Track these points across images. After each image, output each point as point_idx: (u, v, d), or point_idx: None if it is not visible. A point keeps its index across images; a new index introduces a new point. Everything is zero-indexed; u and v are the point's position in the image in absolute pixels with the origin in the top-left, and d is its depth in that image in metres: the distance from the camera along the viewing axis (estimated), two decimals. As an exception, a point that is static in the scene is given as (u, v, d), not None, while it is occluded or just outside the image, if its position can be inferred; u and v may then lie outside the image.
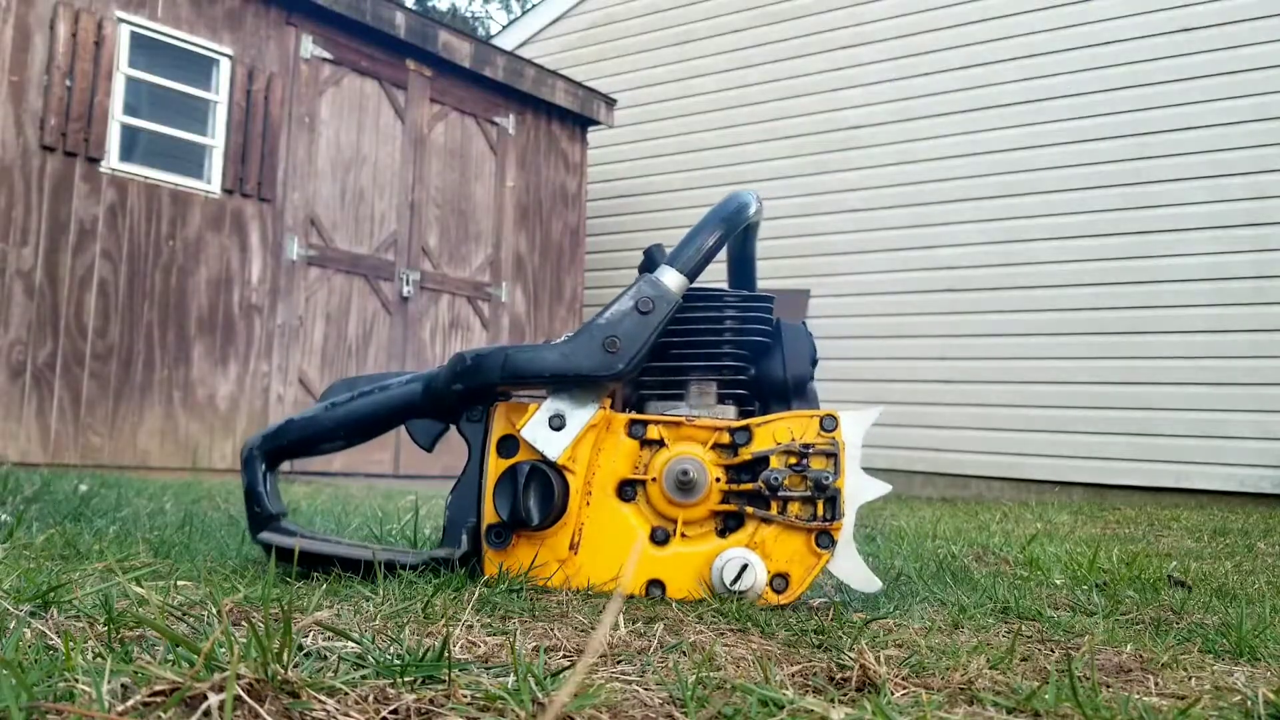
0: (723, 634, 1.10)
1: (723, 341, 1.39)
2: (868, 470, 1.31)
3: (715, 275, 1.43)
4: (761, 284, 1.59)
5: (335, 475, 5.30)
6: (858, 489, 1.29)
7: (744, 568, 1.26)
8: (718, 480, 1.32)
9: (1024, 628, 1.27)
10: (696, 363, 1.39)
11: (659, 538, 1.33)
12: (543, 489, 1.31)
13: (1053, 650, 1.11)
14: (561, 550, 1.33)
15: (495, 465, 1.38)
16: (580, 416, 1.35)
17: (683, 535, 1.33)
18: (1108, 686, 0.93)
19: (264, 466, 1.51)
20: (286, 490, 2.93)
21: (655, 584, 1.32)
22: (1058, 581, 2.08)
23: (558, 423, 1.35)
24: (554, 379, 1.34)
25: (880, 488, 1.30)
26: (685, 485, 1.31)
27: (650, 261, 1.49)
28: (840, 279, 6.75)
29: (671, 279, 1.34)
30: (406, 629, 0.97)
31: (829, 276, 6.77)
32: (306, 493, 3.07)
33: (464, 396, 1.40)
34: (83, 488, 2.74)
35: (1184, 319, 5.67)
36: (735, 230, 1.38)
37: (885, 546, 2.31)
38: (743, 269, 1.54)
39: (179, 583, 1.30)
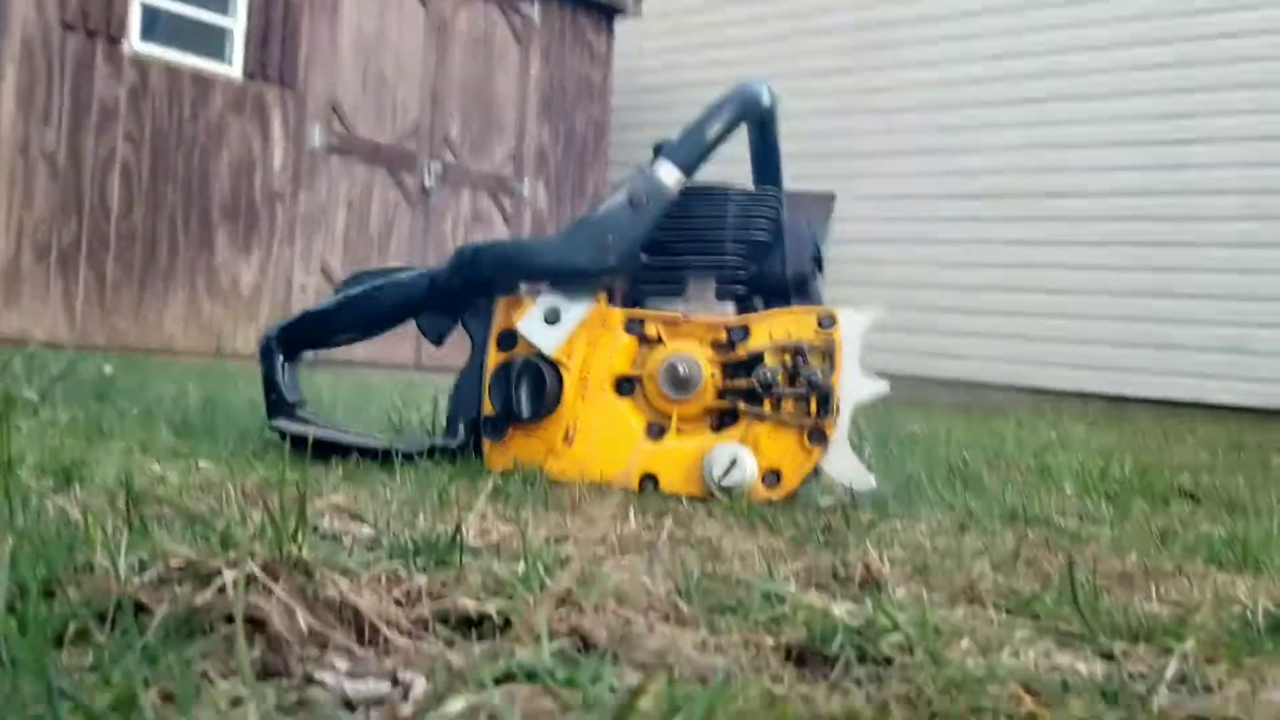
0: (730, 529, 1.11)
1: (722, 238, 1.38)
2: (884, 376, 1.31)
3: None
4: (787, 185, 1.57)
5: (358, 365, 5.35)
6: (853, 387, 1.29)
7: (733, 462, 1.26)
8: (713, 377, 1.32)
9: (1030, 533, 1.28)
10: (695, 259, 1.38)
11: (654, 432, 1.34)
12: (535, 383, 1.33)
13: (1057, 556, 1.12)
14: (555, 442, 1.35)
15: (494, 358, 1.39)
16: (575, 311, 1.36)
17: (678, 430, 1.34)
18: (1109, 593, 0.94)
19: (281, 356, 1.53)
20: (310, 380, 2.97)
21: (649, 478, 1.33)
22: (1068, 489, 2.09)
23: (553, 317, 1.36)
24: (547, 273, 1.35)
25: (877, 387, 1.30)
26: (680, 382, 1.31)
27: (656, 154, 1.47)
28: (868, 181, 6.65)
29: (666, 173, 1.33)
30: (421, 515, 0.99)
31: (857, 179, 6.68)
32: (329, 382, 3.11)
33: (466, 290, 1.41)
34: (108, 369, 2.78)
35: (1217, 232, 5.58)
36: (740, 123, 1.36)
37: (898, 451, 2.32)
38: (764, 165, 1.52)
39: (199, 463, 1.33)
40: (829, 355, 1.29)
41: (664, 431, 1.34)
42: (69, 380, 2.55)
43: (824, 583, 0.83)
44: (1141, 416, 5.49)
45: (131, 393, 2.32)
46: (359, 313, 1.55)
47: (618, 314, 1.37)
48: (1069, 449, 3.07)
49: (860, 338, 1.30)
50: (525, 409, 1.32)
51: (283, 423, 1.47)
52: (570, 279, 1.35)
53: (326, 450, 1.42)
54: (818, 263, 1.37)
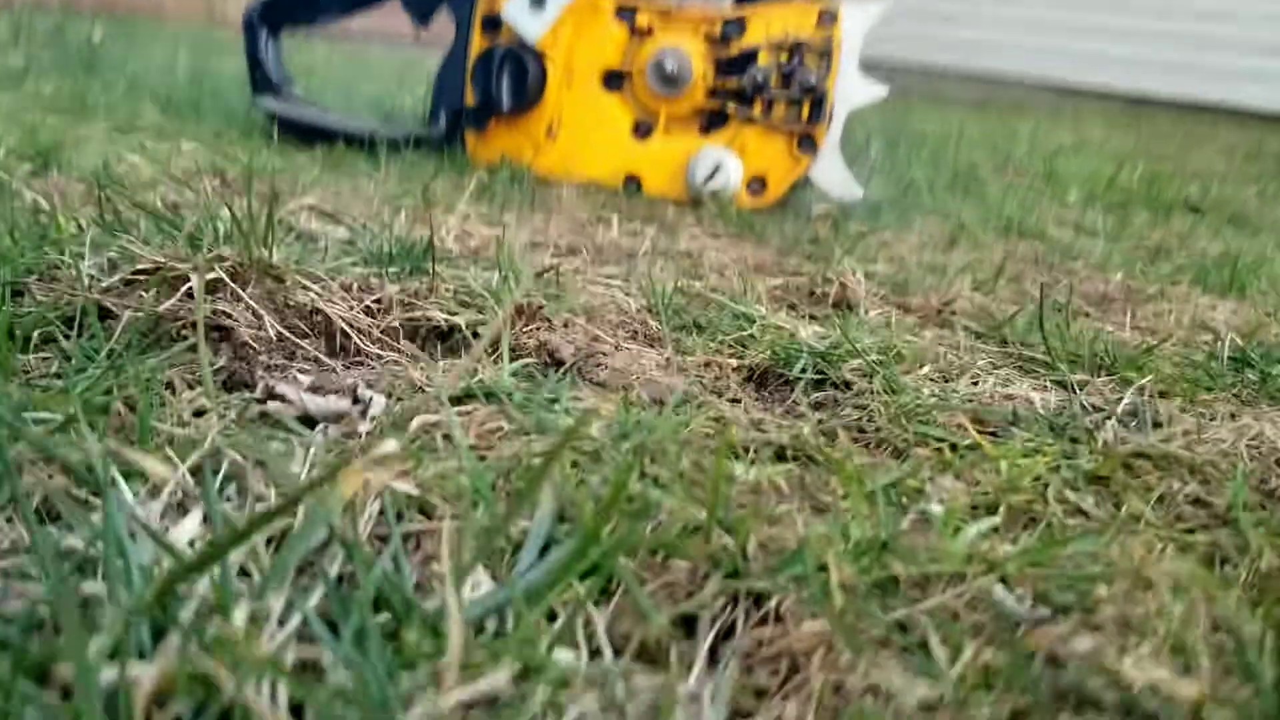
0: (717, 238, 1.10)
1: None
2: (896, 68, 1.25)
3: None
4: None
5: (355, 38, 5.14)
6: (849, 91, 1.24)
7: (716, 167, 1.24)
8: (704, 75, 1.27)
9: (1022, 247, 1.27)
10: None
11: (641, 131, 1.30)
12: (517, 74, 1.28)
13: (1041, 274, 1.11)
14: (538, 135, 1.32)
15: (478, 44, 1.33)
16: (543, 17, 1.29)
17: (665, 130, 1.30)
18: (1086, 315, 0.95)
19: (265, 32, 1.46)
20: (306, 51, 2.86)
21: (633, 179, 1.31)
22: (1071, 199, 2.07)
23: (538, 2, 1.29)
24: None
25: (874, 91, 1.25)
26: (669, 79, 1.26)
27: None
28: None
29: None
30: (402, 214, 0.98)
31: None
32: (324, 56, 3.00)
33: None
34: (96, 37, 2.68)
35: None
36: None
37: (904, 152, 2.27)
38: None
39: (183, 146, 1.30)
40: (826, 55, 1.23)
41: (651, 131, 1.30)
42: (56, 48, 2.46)
43: (797, 302, 0.84)
44: (1163, 119, 5.34)
45: (119, 63, 2.24)
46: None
47: (609, 1, 1.30)
48: (1082, 153, 3.01)
49: (862, 36, 1.24)
50: (506, 101, 1.28)
51: (268, 102, 1.43)
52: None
53: (311, 133, 1.39)
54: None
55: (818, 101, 1.23)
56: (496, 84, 1.28)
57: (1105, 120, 4.64)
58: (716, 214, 1.20)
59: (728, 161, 1.24)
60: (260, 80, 1.47)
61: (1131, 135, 4.09)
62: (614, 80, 1.31)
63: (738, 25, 1.26)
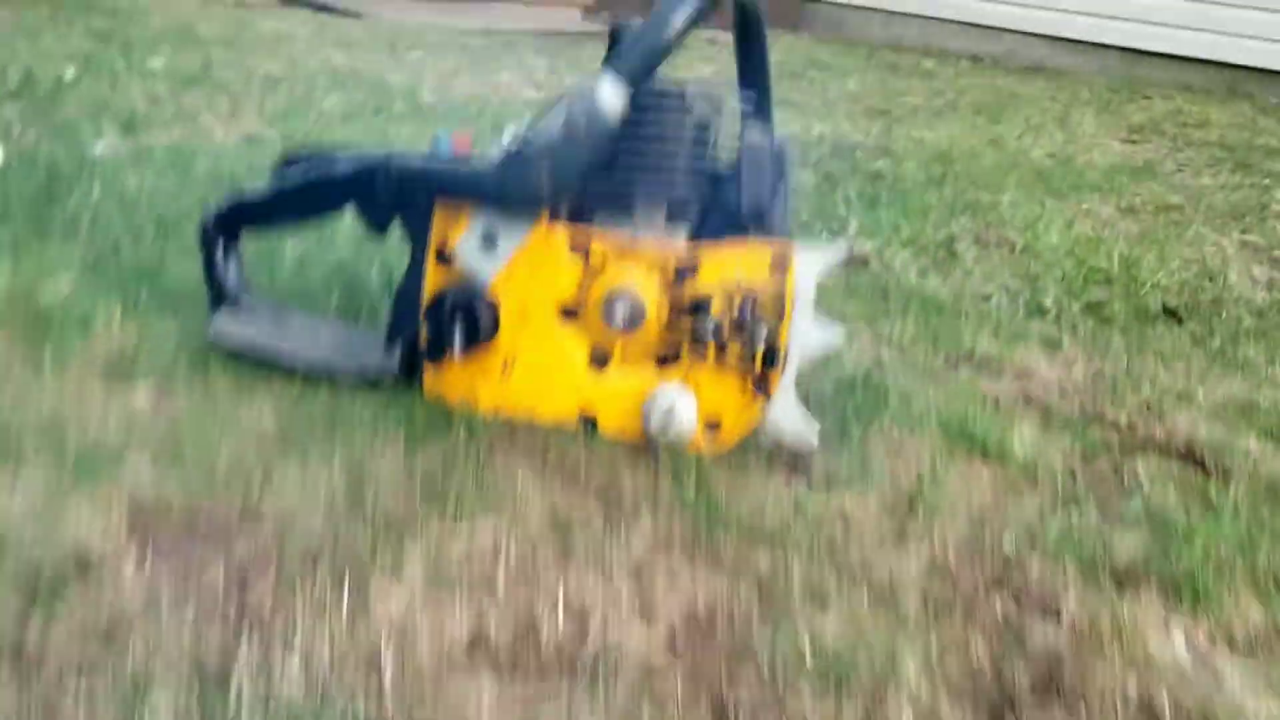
0: (669, 550, 1.10)
1: (672, 166, 1.25)
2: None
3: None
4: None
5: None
6: (804, 338, 1.22)
7: (669, 413, 1.23)
8: (659, 313, 1.25)
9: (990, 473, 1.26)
10: (644, 180, 1.26)
11: (597, 359, 1.29)
12: (469, 319, 1.26)
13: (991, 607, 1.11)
14: (493, 373, 1.30)
15: (433, 274, 1.31)
16: (513, 237, 1.27)
17: (621, 362, 1.29)
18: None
19: (222, 242, 1.45)
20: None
21: (588, 418, 1.30)
22: (1047, 304, 2.04)
23: (490, 241, 1.27)
24: (475, 203, 1.26)
25: (829, 337, 1.24)
26: (624, 318, 1.24)
27: (613, 44, 1.30)
28: None
29: (607, 93, 1.17)
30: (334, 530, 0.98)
31: None
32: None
33: (392, 202, 1.31)
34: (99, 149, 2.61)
35: None
36: (703, 15, 1.17)
37: (887, 213, 2.23)
38: (746, 61, 1.35)
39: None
40: (779, 303, 1.21)
41: (607, 361, 1.29)
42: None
43: None
44: (1157, 86, 5.21)
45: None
46: (293, 205, 1.44)
47: (562, 235, 1.27)
48: (1060, 216, 2.93)
49: (817, 280, 1.21)
50: (458, 348, 1.27)
51: (223, 327, 1.41)
52: (502, 212, 1.25)
53: (266, 360, 1.38)
54: (776, 193, 1.24)
55: (770, 350, 1.21)
56: (448, 329, 1.26)
57: (1095, 102, 4.51)
58: (675, 489, 1.20)
59: (682, 406, 1.23)
60: (216, 294, 1.45)
61: (1122, 125, 3.99)
62: (570, 313, 1.29)
63: (691, 267, 1.23)
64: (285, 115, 3.05)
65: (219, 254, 1.45)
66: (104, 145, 2.42)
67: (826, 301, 1.93)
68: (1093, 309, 2.06)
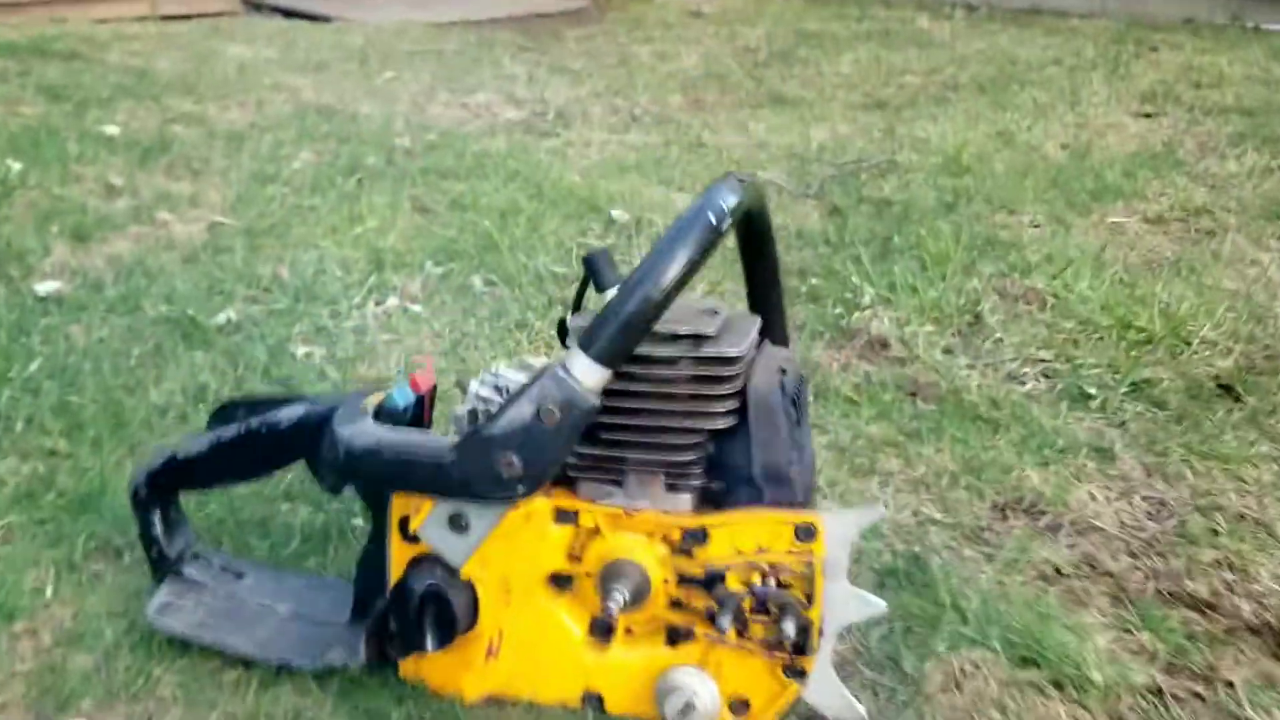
0: None
1: (667, 426, 1.04)
2: None
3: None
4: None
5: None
6: (841, 610, 1.03)
7: (689, 706, 1.05)
8: (665, 583, 1.06)
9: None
10: (634, 448, 1.05)
11: (599, 631, 1.11)
12: (441, 612, 1.07)
13: None
14: (477, 659, 1.12)
15: (398, 553, 1.13)
16: (486, 519, 1.07)
17: (624, 638, 1.10)
18: None
19: (157, 505, 1.26)
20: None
21: (592, 697, 1.12)
22: (1091, 390, 1.84)
23: (459, 524, 1.08)
24: (435, 494, 1.07)
25: (872, 608, 1.04)
26: (624, 598, 1.05)
27: (591, 278, 1.09)
28: None
29: (584, 372, 0.98)
30: None
31: None
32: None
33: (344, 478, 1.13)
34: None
35: None
36: (703, 259, 0.97)
37: (901, 268, 2.02)
38: (760, 284, 1.15)
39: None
40: (808, 581, 1.02)
41: (610, 632, 1.11)
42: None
43: None
44: (1167, 33, 4.90)
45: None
46: (233, 462, 1.25)
47: (544, 506, 1.08)
48: (1092, 265, 2.71)
49: (850, 546, 1.02)
50: (430, 644, 1.09)
51: (162, 610, 1.23)
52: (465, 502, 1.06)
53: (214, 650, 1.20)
54: (797, 445, 1.04)
55: (801, 630, 1.02)
56: (419, 622, 1.08)
57: (1107, 55, 4.21)
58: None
59: (700, 697, 1.05)
60: (158, 561, 1.27)
61: (1137, 81, 3.71)
62: (562, 581, 1.11)
63: (700, 534, 1.04)
64: (249, 192, 2.84)
65: (155, 519, 1.27)
66: (49, 284, 2.22)
67: (842, 408, 1.75)
68: (1140, 390, 1.86)
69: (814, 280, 2.29)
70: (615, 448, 1.05)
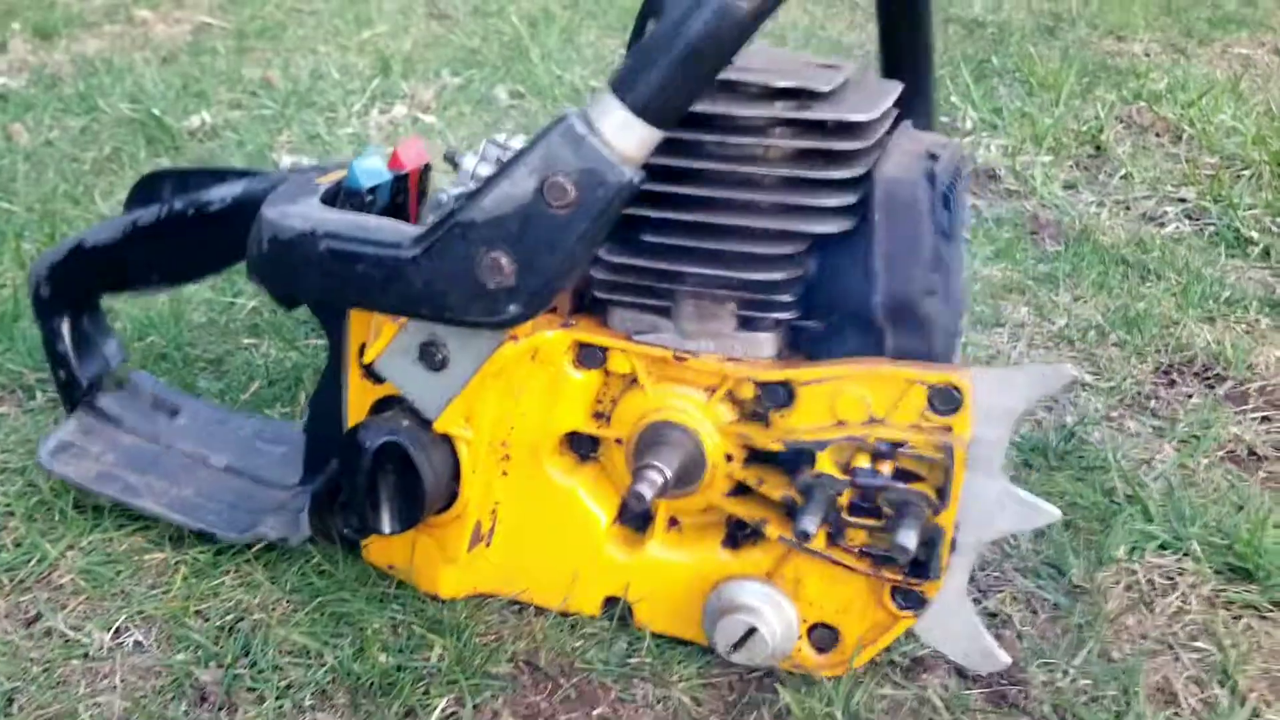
0: None
1: (748, 224, 0.69)
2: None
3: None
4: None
5: None
6: (990, 517, 0.70)
7: (749, 634, 0.73)
8: (729, 459, 0.73)
9: None
10: (693, 259, 0.70)
11: (631, 519, 0.79)
12: (403, 480, 0.75)
13: None
14: (458, 547, 0.80)
15: (357, 393, 0.80)
16: (471, 352, 0.73)
17: (672, 524, 0.78)
18: None
19: (66, 310, 0.94)
20: None
21: (615, 601, 0.80)
22: (1250, 231, 1.48)
23: (433, 358, 0.74)
24: (400, 314, 0.72)
25: (1039, 515, 0.70)
26: (668, 476, 0.72)
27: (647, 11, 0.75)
28: None
29: (618, 129, 0.61)
30: None
31: None
32: None
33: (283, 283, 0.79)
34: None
35: None
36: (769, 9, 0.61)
37: (1007, 91, 1.64)
38: (900, 39, 0.79)
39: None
40: (944, 467, 0.68)
41: (648, 522, 0.79)
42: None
43: None
44: None
45: None
46: (153, 253, 0.92)
47: (558, 340, 0.75)
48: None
49: (1014, 424, 0.68)
50: (386, 522, 0.76)
51: (59, 452, 0.93)
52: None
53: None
54: (939, 268, 0.69)
55: (930, 544, 0.69)
56: (372, 494, 0.76)
57: None
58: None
59: (770, 620, 0.73)
60: (65, 386, 0.96)
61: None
62: (581, 445, 0.79)
63: (782, 392, 0.71)
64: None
65: (63, 330, 0.95)
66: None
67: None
68: (1312, 234, 1.49)
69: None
70: (664, 257, 0.70)
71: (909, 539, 0.66)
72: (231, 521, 0.87)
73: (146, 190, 0.95)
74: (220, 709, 0.75)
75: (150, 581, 0.86)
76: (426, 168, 0.87)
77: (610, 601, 0.80)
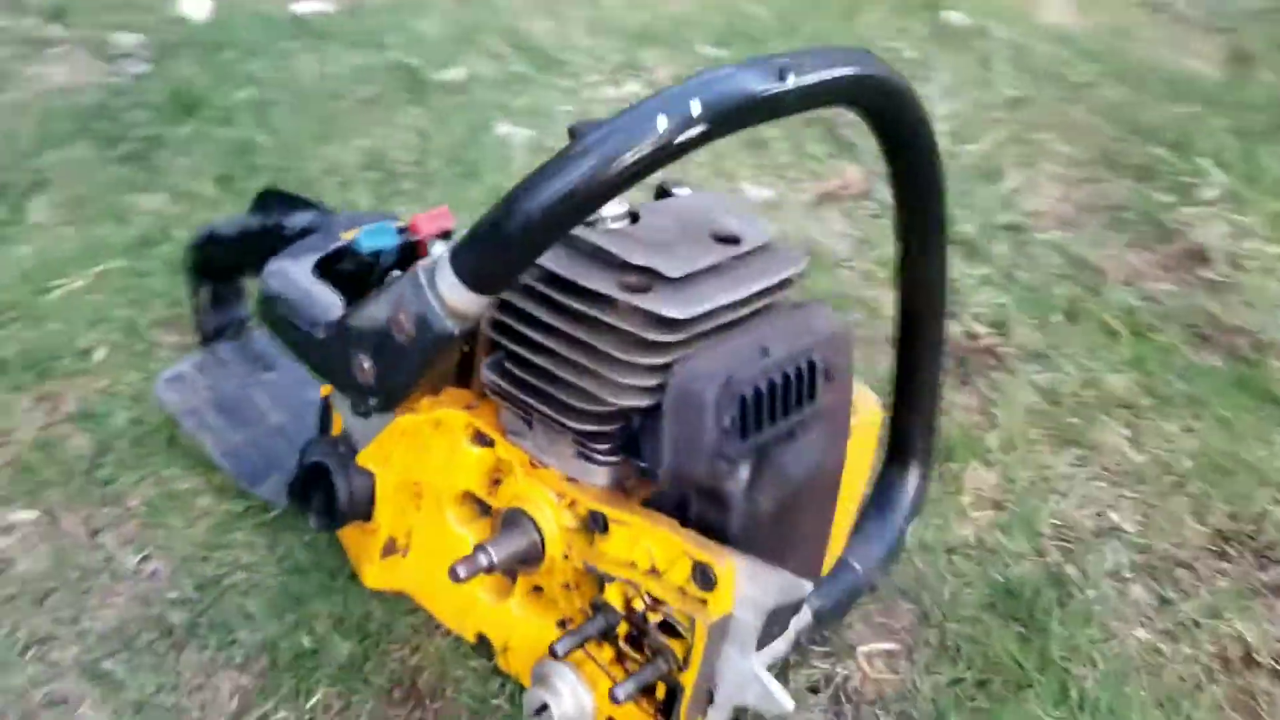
0: None
1: (576, 382, 0.74)
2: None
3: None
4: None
5: None
6: (734, 690, 0.72)
7: (543, 708, 0.79)
8: (565, 558, 0.80)
9: None
10: (538, 396, 0.77)
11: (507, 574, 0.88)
12: (327, 493, 0.89)
13: None
14: (373, 553, 0.93)
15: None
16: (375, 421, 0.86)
17: (535, 590, 0.86)
18: None
19: (202, 277, 1.18)
20: None
21: (484, 642, 0.90)
22: None
23: (359, 408, 0.86)
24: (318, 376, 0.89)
25: (773, 704, 0.71)
26: (517, 551, 0.81)
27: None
28: None
29: (449, 290, 0.70)
30: None
31: None
32: None
33: None
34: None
35: None
36: (610, 188, 0.64)
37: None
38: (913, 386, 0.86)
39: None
40: (687, 637, 0.72)
41: (512, 584, 0.88)
42: None
43: None
44: None
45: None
46: (247, 251, 1.10)
47: (457, 419, 0.85)
48: None
49: (763, 616, 0.70)
50: (311, 521, 0.92)
51: (170, 385, 1.15)
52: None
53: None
54: (740, 434, 0.70)
55: (669, 693, 0.74)
56: (304, 498, 0.92)
57: None
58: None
59: (562, 704, 0.79)
60: (197, 330, 1.21)
61: None
62: (480, 506, 0.89)
63: (600, 521, 0.77)
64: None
65: (201, 289, 1.19)
66: (311, 3, 2.17)
67: (1091, 337, 1.30)
68: None
69: (1154, 147, 1.73)
70: (518, 385, 0.78)
71: (658, 668, 0.72)
72: (251, 475, 1.06)
73: (262, 202, 1.14)
74: (173, 646, 0.94)
75: (186, 522, 1.06)
76: (446, 233, 0.97)
77: (482, 638, 0.90)
